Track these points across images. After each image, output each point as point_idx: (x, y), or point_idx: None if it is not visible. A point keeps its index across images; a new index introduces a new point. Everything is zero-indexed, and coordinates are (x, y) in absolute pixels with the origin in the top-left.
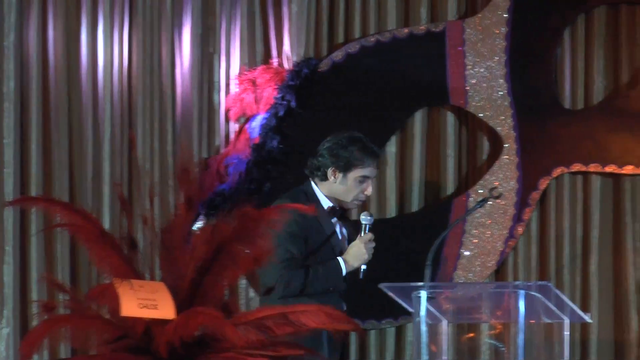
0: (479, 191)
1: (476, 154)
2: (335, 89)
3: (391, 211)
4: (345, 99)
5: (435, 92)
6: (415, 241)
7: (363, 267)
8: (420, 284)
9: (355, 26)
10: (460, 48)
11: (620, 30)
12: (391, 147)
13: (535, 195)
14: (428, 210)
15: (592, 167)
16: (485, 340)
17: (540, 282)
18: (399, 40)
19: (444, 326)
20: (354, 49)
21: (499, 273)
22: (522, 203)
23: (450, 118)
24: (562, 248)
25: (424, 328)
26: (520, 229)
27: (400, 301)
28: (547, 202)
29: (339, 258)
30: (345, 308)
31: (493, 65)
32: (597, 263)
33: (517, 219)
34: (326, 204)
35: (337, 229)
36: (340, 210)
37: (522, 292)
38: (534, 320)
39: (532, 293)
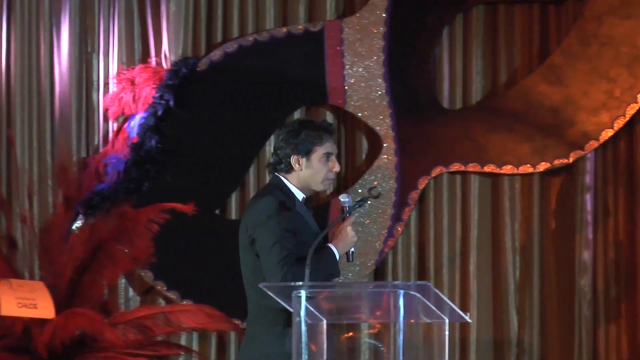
0: (358, 191)
1: (355, 154)
2: (213, 88)
3: None
4: (224, 98)
5: (314, 92)
6: None
7: (352, 249)
8: (300, 283)
9: (233, 26)
10: (338, 48)
11: (498, 30)
12: (270, 147)
13: (414, 195)
14: None
15: (471, 167)
16: (365, 340)
17: (419, 282)
18: (277, 39)
19: (324, 326)
20: (232, 49)
21: (378, 273)
22: (401, 203)
23: (329, 117)
24: (441, 248)
25: (303, 328)
26: (399, 229)
27: (280, 301)
28: (426, 202)
29: (330, 245)
30: None
31: (371, 64)
32: (476, 263)
33: (396, 218)
34: (299, 195)
35: (311, 219)
36: (310, 200)
37: (401, 291)
38: (414, 320)
39: (412, 293)
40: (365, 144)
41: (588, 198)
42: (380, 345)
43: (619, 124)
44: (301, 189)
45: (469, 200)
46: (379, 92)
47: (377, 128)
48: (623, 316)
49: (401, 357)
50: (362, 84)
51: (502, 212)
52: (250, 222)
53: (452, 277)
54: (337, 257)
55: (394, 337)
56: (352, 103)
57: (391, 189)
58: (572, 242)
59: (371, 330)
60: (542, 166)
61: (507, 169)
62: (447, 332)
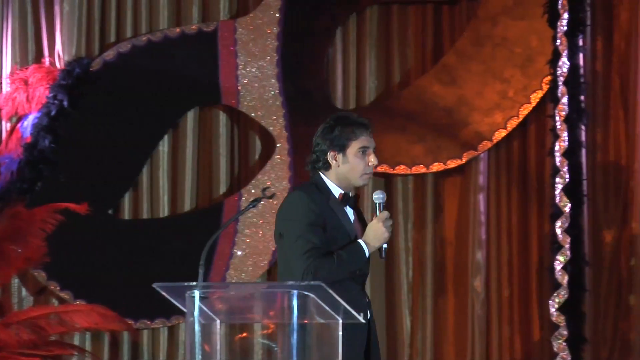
0: (252, 191)
1: (248, 154)
2: (107, 88)
3: (163, 211)
4: (118, 98)
5: (208, 92)
6: (188, 241)
7: (384, 246)
8: (194, 283)
9: (127, 26)
10: (232, 48)
11: (392, 31)
12: (163, 147)
13: None
14: (200, 210)
15: None
16: (259, 340)
17: (313, 282)
18: (170, 39)
19: (217, 326)
20: (126, 49)
21: (272, 273)
22: None
23: (222, 117)
24: None
25: (197, 328)
26: None
27: (173, 301)
28: None
29: (360, 241)
30: (368, 301)
31: (265, 65)
32: (371, 263)
33: None
34: (337, 191)
35: (351, 216)
36: (352, 197)
37: (295, 292)
38: (307, 320)
39: (306, 293)
40: (258, 144)
41: (481, 198)
42: (274, 346)
43: (512, 124)
44: (340, 186)
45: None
46: (272, 92)
47: (271, 128)
48: (516, 316)
49: (294, 358)
50: (256, 84)
51: (395, 213)
52: (279, 217)
53: None
54: (367, 253)
55: (287, 338)
56: (246, 103)
57: (285, 189)
58: (465, 243)
59: (265, 331)
60: (436, 167)
61: (400, 169)
62: (340, 333)
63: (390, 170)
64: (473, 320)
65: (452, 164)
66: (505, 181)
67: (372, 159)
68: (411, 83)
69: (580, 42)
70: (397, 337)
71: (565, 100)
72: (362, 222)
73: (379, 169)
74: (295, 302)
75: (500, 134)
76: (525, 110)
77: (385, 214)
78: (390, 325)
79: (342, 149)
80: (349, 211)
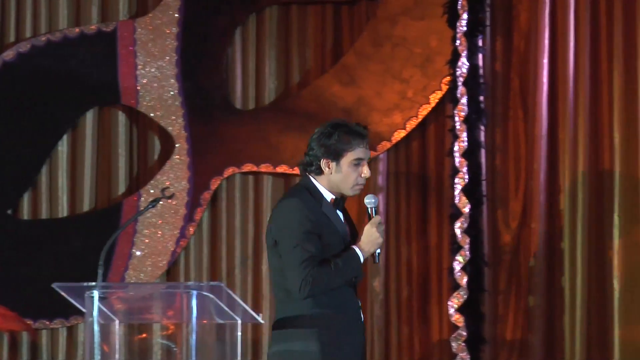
0: (151, 191)
1: (147, 154)
2: (6, 88)
3: (63, 211)
4: (17, 98)
5: (107, 92)
6: (87, 241)
7: (377, 251)
8: (93, 283)
9: (26, 25)
10: (131, 48)
11: (291, 31)
12: (62, 147)
13: (207, 195)
14: (99, 210)
15: (264, 167)
16: (158, 340)
17: (212, 283)
18: (70, 39)
19: (116, 326)
20: (25, 49)
21: (171, 273)
22: (193, 203)
23: (121, 118)
24: (233, 248)
25: (96, 328)
26: (191, 229)
27: (73, 301)
28: (218, 202)
29: (355, 247)
30: (360, 304)
31: (164, 65)
32: (268, 263)
33: (189, 219)
34: (329, 196)
35: (342, 219)
36: (342, 201)
37: (194, 292)
38: (206, 321)
39: (204, 293)
40: (157, 144)
41: (380, 198)
42: (173, 346)
43: (412, 124)
44: (331, 191)
45: (261, 201)
46: (172, 93)
47: (170, 128)
48: (415, 316)
49: (194, 358)
50: (155, 84)
51: None
52: (273, 225)
53: (244, 277)
54: (362, 258)
55: (186, 338)
56: (145, 103)
57: (184, 189)
58: None
59: (164, 332)
60: None
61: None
62: (239, 333)
63: (289, 171)
64: (372, 321)
65: None
66: (404, 182)
67: (365, 171)
68: (310, 83)
69: (480, 43)
70: None
71: (464, 100)
72: (350, 223)
73: (279, 169)
74: (195, 303)
75: (400, 135)
76: (424, 110)
77: (378, 218)
78: None
79: (336, 157)
80: (340, 215)
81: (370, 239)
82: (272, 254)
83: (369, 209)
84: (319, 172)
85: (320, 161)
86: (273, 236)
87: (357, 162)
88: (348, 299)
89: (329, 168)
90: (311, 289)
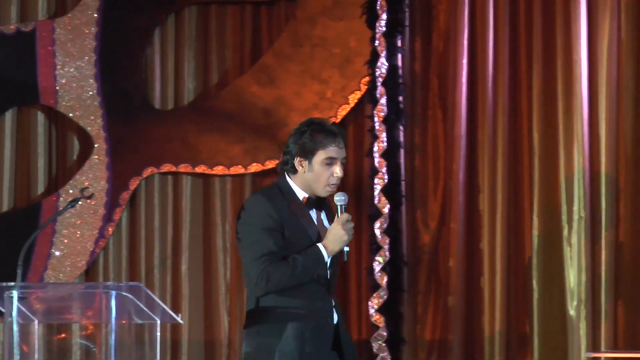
0: (70, 191)
1: (66, 154)
2: None
3: None
4: None
5: (26, 92)
6: (6, 241)
7: (345, 248)
8: (12, 284)
9: None
10: (50, 48)
11: (210, 31)
12: None
13: (126, 195)
14: (18, 210)
15: (182, 168)
16: (77, 340)
17: (131, 283)
18: None
19: (36, 326)
20: None
21: (90, 273)
22: (112, 203)
23: (40, 118)
24: (152, 248)
25: (15, 328)
26: (110, 229)
27: None
28: (137, 202)
29: (319, 244)
30: (334, 304)
31: (83, 65)
32: (188, 263)
33: (108, 219)
34: (301, 195)
35: (315, 218)
36: (317, 199)
37: (113, 292)
38: (125, 321)
39: (123, 293)
40: (77, 144)
41: None
42: (92, 346)
43: None
44: (305, 191)
45: (180, 201)
46: (91, 93)
47: (89, 128)
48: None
49: (113, 358)
50: (74, 84)
51: (213, 213)
52: (238, 221)
53: (163, 277)
54: (325, 256)
55: (105, 338)
56: (64, 103)
57: (102, 189)
58: None
59: (83, 331)
60: (254, 167)
61: (219, 169)
62: (158, 333)
63: (208, 171)
64: None
65: (270, 164)
66: None
67: (338, 171)
68: (229, 83)
69: (399, 43)
70: (215, 337)
71: (383, 101)
72: (331, 221)
73: (198, 170)
74: (114, 303)
75: None
76: (343, 110)
77: (345, 216)
78: (208, 326)
79: (308, 156)
80: (314, 214)
81: (335, 237)
82: (239, 250)
83: (339, 207)
84: (294, 170)
85: (294, 160)
86: (237, 232)
87: (329, 162)
88: (316, 297)
89: (302, 166)
90: (267, 284)
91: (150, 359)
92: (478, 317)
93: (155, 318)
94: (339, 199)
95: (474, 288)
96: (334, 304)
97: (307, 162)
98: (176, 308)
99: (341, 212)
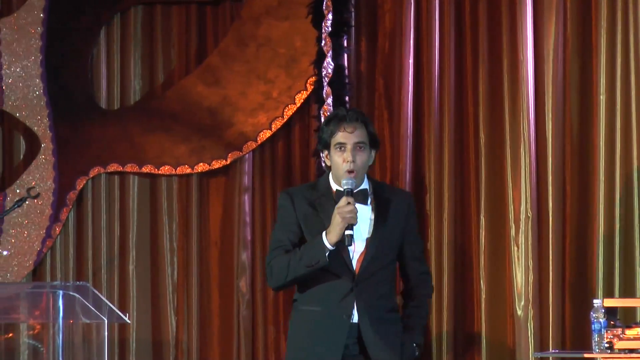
0: (17, 191)
1: (13, 154)
2: None
3: None
4: None
5: None
6: None
7: (348, 232)
8: None
9: None
10: None
11: (155, 31)
12: None
13: (73, 195)
14: None
15: (129, 167)
16: (24, 340)
17: (78, 283)
18: None
19: None
20: None
21: (37, 273)
22: (59, 203)
23: None
24: (99, 248)
25: None
26: (57, 229)
27: None
28: (84, 202)
29: (323, 233)
30: (348, 316)
31: (29, 65)
32: (135, 263)
33: (55, 218)
34: (335, 188)
35: (363, 211)
36: (360, 192)
37: (60, 292)
38: (73, 321)
39: (71, 293)
40: (23, 144)
41: (246, 199)
42: (39, 346)
43: (277, 125)
44: (337, 184)
45: (127, 201)
46: (37, 92)
47: (35, 128)
48: (281, 317)
49: (61, 358)
50: (20, 84)
51: (160, 213)
52: None
53: (110, 277)
54: (327, 244)
55: (53, 338)
56: (10, 103)
57: (49, 189)
58: (230, 243)
59: (31, 331)
60: (200, 167)
61: (165, 169)
62: (106, 333)
63: (155, 171)
64: (239, 321)
65: (217, 164)
66: (270, 181)
67: (346, 156)
68: (175, 83)
69: (345, 43)
70: (163, 337)
71: (330, 101)
72: (382, 217)
73: (144, 169)
74: (61, 303)
75: (265, 135)
76: (289, 110)
77: (343, 200)
78: (156, 326)
79: (326, 147)
80: (362, 208)
81: (332, 223)
82: None
83: (344, 191)
84: (327, 165)
85: (323, 155)
86: None
87: (339, 147)
88: (334, 292)
89: (327, 159)
90: (272, 277)
91: (98, 359)
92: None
93: (103, 318)
94: (345, 182)
95: None
96: (356, 301)
97: (328, 153)
98: (123, 308)
99: (347, 197)
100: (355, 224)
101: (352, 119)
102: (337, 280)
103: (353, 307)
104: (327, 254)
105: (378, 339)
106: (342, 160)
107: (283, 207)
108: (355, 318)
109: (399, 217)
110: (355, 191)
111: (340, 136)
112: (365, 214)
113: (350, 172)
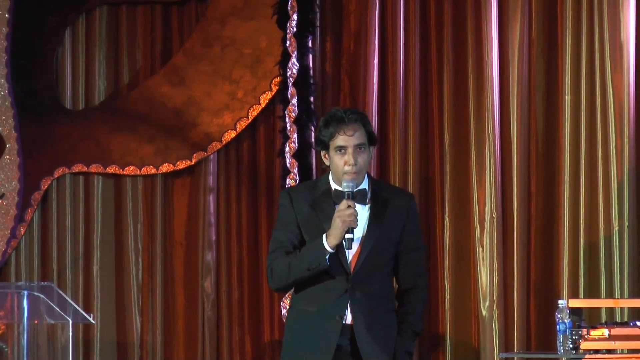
0: None
1: None
2: None
3: None
4: None
5: None
6: None
7: (349, 235)
8: None
9: None
10: None
11: (121, 31)
12: None
13: (37, 196)
14: None
15: (94, 168)
16: None
17: (43, 283)
18: None
19: None
20: None
21: (2, 273)
22: (24, 203)
23: None
24: (64, 248)
25: None
26: (22, 229)
27: None
28: (49, 203)
29: (323, 235)
30: (341, 317)
31: None
32: (100, 263)
33: (19, 219)
34: (334, 188)
35: (362, 212)
36: (358, 192)
37: (25, 292)
38: (38, 321)
39: (35, 293)
40: None
41: (211, 199)
42: (4, 346)
43: (242, 125)
44: (337, 184)
45: (92, 201)
46: (2, 93)
47: (0, 129)
48: (246, 317)
49: (25, 358)
50: None
51: (125, 213)
52: None
53: (75, 277)
54: (327, 247)
55: (18, 338)
56: None
57: (14, 189)
58: (195, 243)
59: None
60: (165, 167)
61: (130, 170)
62: (71, 333)
63: (120, 171)
64: (203, 321)
65: (182, 164)
66: (235, 182)
67: (347, 159)
68: (140, 84)
69: (310, 44)
70: (128, 337)
71: (295, 101)
72: (378, 217)
73: (109, 170)
74: (26, 303)
75: (230, 135)
76: (254, 111)
77: (343, 204)
78: (121, 326)
79: (325, 148)
80: (360, 208)
81: (333, 227)
82: None
83: (345, 194)
84: (326, 165)
85: (322, 154)
86: None
87: (339, 150)
88: (328, 292)
89: (326, 159)
90: (273, 279)
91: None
92: None
93: (68, 318)
94: (345, 185)
95: None
96: (350, 302)
97: (327, 154)
98: (88, 308)
99: (347, 200)
100: (355, 227)
101: (351, 121)
102: (332, 281)
103: (346, 308)
104: (327, 257)
105: (371, 341)
106: (344, 162)
107: (283, 206)
108: (349, 319)
109: (397, 218)
110: (337, 192)
111: (340, 139)
112: (362, 214)
113: (347, 174)
